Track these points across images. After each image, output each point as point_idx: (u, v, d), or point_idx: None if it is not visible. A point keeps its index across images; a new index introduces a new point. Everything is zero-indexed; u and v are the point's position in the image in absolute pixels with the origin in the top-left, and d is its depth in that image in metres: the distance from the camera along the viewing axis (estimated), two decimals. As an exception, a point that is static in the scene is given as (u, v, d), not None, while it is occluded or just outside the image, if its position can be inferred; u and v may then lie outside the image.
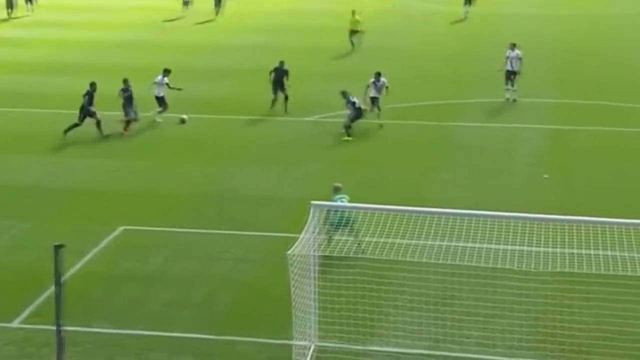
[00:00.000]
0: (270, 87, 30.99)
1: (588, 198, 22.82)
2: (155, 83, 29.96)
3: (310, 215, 15.21)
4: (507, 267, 16.10)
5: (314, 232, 15.22)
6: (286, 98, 30.81)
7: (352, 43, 42.07)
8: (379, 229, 16.14)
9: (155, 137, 28.94)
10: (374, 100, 29.17)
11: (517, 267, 16.93)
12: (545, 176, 24.48)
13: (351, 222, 18.50)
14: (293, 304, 14.77)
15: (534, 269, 16.97)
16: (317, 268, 15.43)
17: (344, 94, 28.71)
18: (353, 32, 42.37)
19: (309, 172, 25.55)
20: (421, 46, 42.88)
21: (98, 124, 28.66)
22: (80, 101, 28.65)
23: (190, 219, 22.10)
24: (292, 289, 14.69)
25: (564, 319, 15.77)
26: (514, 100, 30.96)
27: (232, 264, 19.57)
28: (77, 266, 19.15)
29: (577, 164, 25.63)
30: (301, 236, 15.01)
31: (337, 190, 19.92)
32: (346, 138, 28.26)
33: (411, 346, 15.64)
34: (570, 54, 39.90)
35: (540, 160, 25.97)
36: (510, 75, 31.17)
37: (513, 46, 31.40)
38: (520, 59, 31.12)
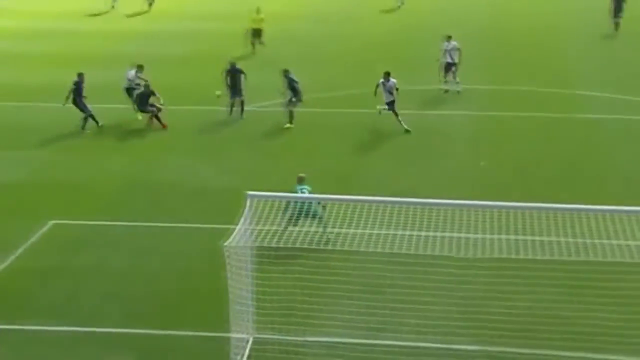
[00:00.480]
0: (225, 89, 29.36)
1: (522, 184, 23.04)
2: (130, 79, 29.09)
3: (246, 206, 15.02)
4: (443, 254, 16.15)
5: (250, 224, 15.04)
6: (242, 103, 29.04)
7: (253, 45, 38.60)
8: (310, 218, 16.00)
9: (86, 130, 28.30)
10: (389, 105, 27.50)
11: (454, 254, 17.03)
12: (482, 164, 24.65)
13: (312, 213, 18.35)
14: (230, 296, 14.60)
15: (471, 255, 17.07)
16: (253, 259, 15.27)
17: (286, 73, 28.21)
18: (255, 31, 38.89)
19: (244, 163, 25.31)
20: (355, 33, 42.74)
21: (86, 118, 27.99)
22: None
23: (123, 212, 21.70)
24: (229, 281, 14.50)
25: (500, 305, 15.87)
26: (458, 92, 30.94)
27: (166, 257, 19.27)
28: (7, 262, 18.66)
29: (511, 150, 25.87)
30: (237, 228, 14.82)
31: (300, 180, 19.78)
32: (288, 125, 28.04)
33: (348, 335, 15.60)
34: (501, 40, 40.25)
35: (475, 147, 26.14)
36: (450, 67, 31.17)
37: (449, 38, 31.43)
38: (458, 49, 31.15)
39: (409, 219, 16.16)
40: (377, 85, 27.62)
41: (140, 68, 29.31)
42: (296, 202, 18.04)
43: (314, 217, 18.49)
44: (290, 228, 18.00)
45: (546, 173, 24.06)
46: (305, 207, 18.20)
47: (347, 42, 40.18)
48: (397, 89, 27.43)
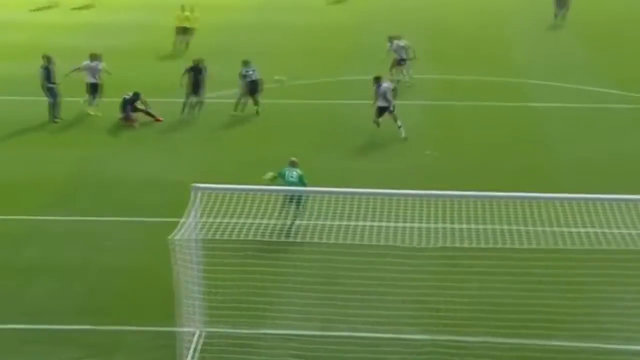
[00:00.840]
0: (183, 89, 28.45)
1: (470, 173, 23.15)
2: (87, 69, 28.07)
3: (192, 198, 14.86)
4: (391, 244, 16.16)
5: (196, 216, 14.88)
6: (201, 103, 28.14)
7: (177, 44, 36.40)
8: (261, 210, 15.92)
9: (30, 122, 27.79)
10: (381, 110, 25.58)
11: (402, 243, 17.05)
12: (427, 152, 24.73)
13: (297, 198, 18.31)
14: (177, 290, 14.43)
15: (418, 245, 17.10)
16: (201, 252, 15.12)
17: (245, 64, 28.07)
18: (181, 30, 36.59)
19: (193, 155, 25.08)
20: (305, 22, 42.52)
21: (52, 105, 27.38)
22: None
23: (70, 207, 21.38)
24: (176, 275, 14.34)
25: (448, 294, 15.95)
26: (408, 85, 30.84)
27: (115, 252, 19.02)
28: (-52, 261, 18.28)
29: (457, 139, 25.98)
30: (183, 220, 14.65)
31: (291, 164, 19.83)
32: (234, 113, 27.82)
33: (300, 327, 15.54)
34: (445, 30, 40.37)
35: (422, 137, 26.19)
36: (400, 62, 31.03)
37: (391, 39, 31.01)
38: (407, 47, 30.91)
39: (360, 209, 16.15)
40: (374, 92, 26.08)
41: (97, 57, 28.56)
42: (290, 181, 18.47)
43: (297, 204, 18.42)
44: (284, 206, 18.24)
45: (496, 161, 24.21)
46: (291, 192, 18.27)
47: (297, 32, 40.00)
48: (394, 91, 25.80)
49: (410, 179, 22.28)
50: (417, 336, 15.35)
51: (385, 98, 25.23)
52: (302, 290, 16.29)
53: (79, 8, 45.60)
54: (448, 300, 15.86)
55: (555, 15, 39.61)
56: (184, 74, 28.05)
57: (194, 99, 27.96)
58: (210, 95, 28.30)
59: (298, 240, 17.23)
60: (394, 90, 26.03)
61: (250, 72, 28.01)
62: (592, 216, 15.31)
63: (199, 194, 14.99)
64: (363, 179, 22.13)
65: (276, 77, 28.76)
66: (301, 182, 19.50)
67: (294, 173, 19.58)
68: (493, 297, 15.94)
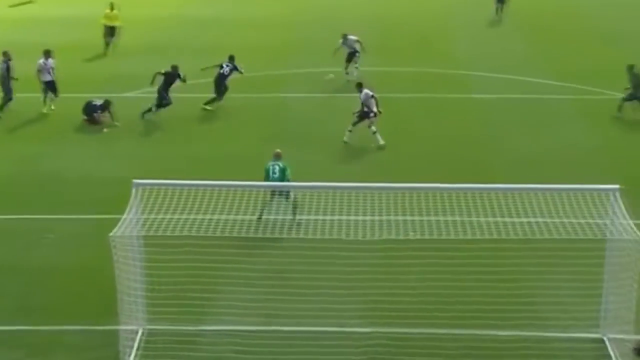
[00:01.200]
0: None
1: (413, 165, 23.28)
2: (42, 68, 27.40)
3: (133, 194, 14.70)
4: (335, 237, 16.17)
5: (137, 213, 14.73)
6: (159, 106, 27.49)
7: (107, 44, 35.02)
8: (204, 206, 15.81)
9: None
10: (363, 115, 24.69)
11: (346, 237, 17.07)
12: (373, 145, 24.76)
13: (285, 193, 18.24)
14: (118, 287, 14.28)
15: (363, 238, 17.14)
16: (142, 249, 14.96)
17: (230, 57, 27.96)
18: (109, 30, 35.05)
19: (132, 150, 24.80)
20: (247, 16, 42.31)
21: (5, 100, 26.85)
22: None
23: (5, 204, 20.96)
24: (117, 272, 14.18)
25: (392, 286, 16.01)
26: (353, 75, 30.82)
27: (53, 250, 18.73)
28: None
29: (401, 131, 26.08)
30: (124, 217, 14.49)
31: (275, 157, 19.68)
32: (205, 106, 27.76)
33: (245, 323, 15.48)
34: (389, 24, 40.49)
35: (367, 129, 26.21)
36: (352, 56, 31.02)
37: (344, 35, 30.97)
38: (358, 41, 30.95)
39: (304, 203, 16.13)
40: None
41: (49, 54, 27.86)
42: (273, 176, 18.45)
43: (287, 197, 18.34)
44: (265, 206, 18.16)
45: (438, 153, 24.36)
46: (276, 180, 18.27)
47: (237, 26, 39.77)
48: (374, 99, 24.75)
49: (355, 172, 22.33)
50: (360, 329, 15.39)
51: (365, 105, 24.81)
52: (245, 286, 16.24)
53: (20, 4, 44.80)
54: (392, 293, 15.92)
55: (497, 10, 39.83)
56: (156, 75, 27.52)
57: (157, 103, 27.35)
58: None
59: (244, 235, 17.13)
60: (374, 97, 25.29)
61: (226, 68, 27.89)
62: (533, 206, 15.51)
63: (140, 190, 14.84)
64: (308, 172, 22.08)
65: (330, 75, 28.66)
66: (284, 175, 19.28)
67: (277, 167, 19.34)
68: (435, 288, 16.06)
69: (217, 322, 15.55)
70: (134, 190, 14.67)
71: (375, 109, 24.83)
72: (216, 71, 27.97)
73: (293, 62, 33.19)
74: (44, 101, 27.74)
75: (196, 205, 16.07)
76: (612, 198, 14.38)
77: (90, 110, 27.06)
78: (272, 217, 18.02)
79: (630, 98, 26.21)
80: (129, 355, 14.56)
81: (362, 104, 24.83)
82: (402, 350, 14.67)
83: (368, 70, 31.79)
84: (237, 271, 16.57)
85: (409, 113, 27.60)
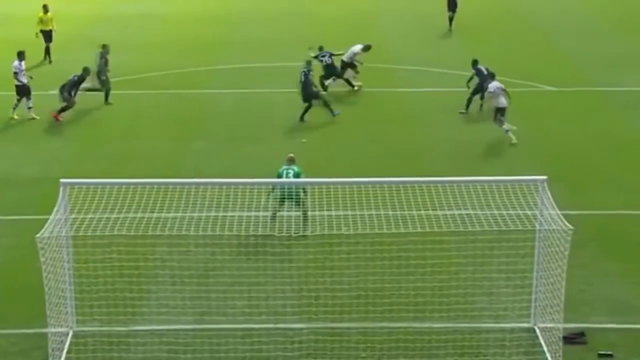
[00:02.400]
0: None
1: (344, 159, 23.30)
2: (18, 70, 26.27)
3: (60, 193, 14.38)
4: (268, 233, 16.07)
5: (65, 212, 14.41)
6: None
7: (47, 49, 32.72)
8: (135, 203, 15.55)
9: None
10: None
11: (279, 233, 17.00)
12: (304, 140, 24.74)
13: (294, 196, 17.73)
14: (46, 289, 13.94)
15: (295, 233, 17.10)
16: (70, 250, 14.66)
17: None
18: (45, 34, 32.74)
19: (57, 149, 24.28)
20: (170, 11, 41.79)
21: None
22: None
23: None
24: (44, 274, 13.85)
25: (327, 281, 15.99)
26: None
27: (-21, 252, 18.23)
28: None
29: (331, 125, 26.09)
30: (51, 217, 14.17)
31: (288, 161, 19.08)
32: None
33: (176, 322, 15.30)
34: (318, 19, 40.49)
35: (297, 125, 26.20)
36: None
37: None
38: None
39: (237, 199, 15.98)
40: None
41: (22, 55, 26.87)
42: (282, 187, 17.70)
43: (297, 202, 17.86)
44: (276, 212, 17.65)
45: (369, 146, 24.42)
46: (287, 191, 17.64)
47: (163, 23, 39.33)
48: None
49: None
50: (295, 325, 15.33)
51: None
52: (177, 284, 16.05)
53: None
54: (326, 288, 15.90)
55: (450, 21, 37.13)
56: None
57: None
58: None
59: (176, 232, 16.90)
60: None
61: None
62: (463, 198, 15.64)
63: (68, 190, 14.54)
64: (237, 168, 21.97)
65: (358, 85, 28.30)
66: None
67: (291, 172, 18.75)
68: (369, 282, 16.11)
69: (149, 322, 15.33)
70: (61, 190, 14.35)
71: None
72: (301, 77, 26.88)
73: (219, 58, 32.94)
74: (14, 106, 26.41)
75: (126, 204, 15.81)
76: (540, 189, 14.57)
77: (69, 88, 26.13)
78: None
79: (475, 92, 26.59)
80: (59, 358, 14.25)
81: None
82: (337, 345, 14.65)
83: (297, 66, 31.81)
84: (168, 269, 16.39)
85: (339, 107, 27.61)
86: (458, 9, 36.61)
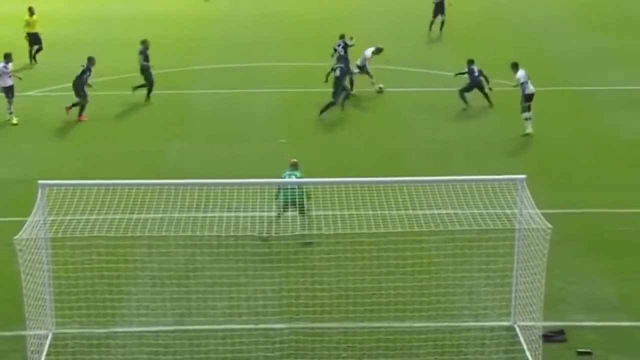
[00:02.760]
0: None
1: (321, 159, 23.25)
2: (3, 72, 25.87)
3: (39, 195, 14.30)
4: (249, 234, 16.05)
5: (43, 214, 14.33)
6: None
7: (35, 53, 32.17)
8: (114, 205, 15.49)
9: None
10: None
11: (259, 233, 16.99)
12: (283, 140, 24.73)
13: (297, 201, 17.43)
14: (25, 291, 13.86)
15: (275, 233, 17.09)
16: (49, 252, 14.58)
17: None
18: (33, 38, 32.16)
19: (36, 150, 24.11)
20: (151, 11, 41.60)
21: None
22: None
23: None
24: (23, 276, 13.78)
25: (307, 281, 15.99)
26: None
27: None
28: None
29: (310, 125, 26.10)
30: (30, 219, 14.09)
31: (292, 166, 18.81)
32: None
33: (156, 323, 15.25)
34: (297, 20, 40.48)
35: (276, 125, 26.19)
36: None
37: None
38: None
39: (217, 200, 15.94)
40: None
41: (9, 57, 26.48)
42: (285, 189, 17.47)
43: (301, 209, 17.56)
44: (281, 215, 17.53)
45: (348, 146, 24.43)
46: (290, 195, 17.41)
47: (143, 24, 39.15)
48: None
49: (264, 167, 22.20)
50: (276, 325, 15.31)
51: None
52: (157, 286, 16.00)
53: None
54: (307, 288, 15.90)
55: (432, 23, 36.16)
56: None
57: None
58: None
59: (155, 234, 16.83)
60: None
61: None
62: (443, 198, 15.66)
63: (46, 191, 14.46)
64: (217, 169, 21.93)
65: (379, 86, 28.13)
66: (301, 188, 17.85)
67: (293, 177, 18.40)
68: (350, 282, 16.12)
69: (129, 324, 15.27)
70: (40, 191, 14.27)
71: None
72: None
73: (199, 59, 32.84)
74: (10, 110, 26.01)
75: (105, 205, 15.75)
76: (519, 188, 14.63)
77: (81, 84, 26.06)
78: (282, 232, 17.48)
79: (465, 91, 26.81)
80: (39, 361, 14.18)
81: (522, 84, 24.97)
82: (318, 345, 14.66)
83: (277, 66, 31.81)
84: (148, 271, 16.32)
85: (317, 107, 27.61)
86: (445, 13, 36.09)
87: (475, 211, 14.97)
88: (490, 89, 26.93)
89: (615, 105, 27.46)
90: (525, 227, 14.37)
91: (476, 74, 26.81)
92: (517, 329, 15.02)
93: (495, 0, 42.12)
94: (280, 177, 18.52)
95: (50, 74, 29.84)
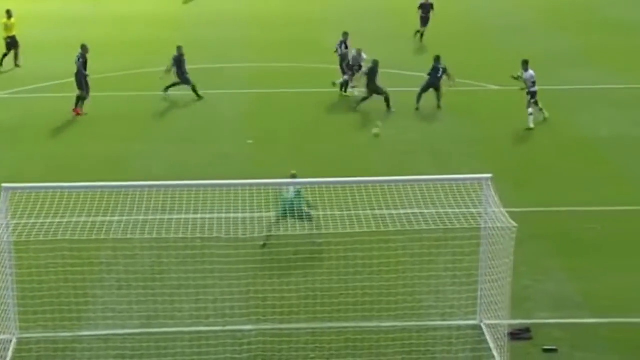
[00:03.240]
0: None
1: (290, 160, 23.22)
2: None
3: (2, 198, 14.14)
4: (215, 235, 15.99)
5: (6, 218, 14.17)
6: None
7: (16, 56, 31.80)
8: (78, 208, 15.36)
9: None
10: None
11: (226, 234, 16.92)
12: (250, 141, 24.69)
13: (297, 211, 17.16)
14: (-11, 296, 13.72)
15: (242, 235, 17.03)
16: (12, 255, 14.41)
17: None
18: (12, 42, 31.76)
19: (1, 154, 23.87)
20: (119, 12, 41.38)
21: None
22: None
23: None
24: (-13, 280, 13.62)
25: (274, 282, 15.96)
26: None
27: None
28: None
29: (278, 126, 26.08)
30: (-8, 223, 13.93)
31: (291, 178, 18.24)
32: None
33: (122, 326, 15.14)
34: (261, 17, 40.49)
35: (242, 126, 26.14)
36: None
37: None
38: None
39: (182, 202, 15.86)
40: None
41: None
42: (284, 201, 17.24)
43: (300, 217, 17.25)
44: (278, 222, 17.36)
45: (314, 146, 24.44)
46: (288, 206, 17.13)
47: (110, 26, 38.94)
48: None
49: (231, 168, 22.16)
50: (244, 327, 15.27)
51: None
52: (123, 288, 15.89)
53: None
54: (274, 289, 15.87)
55: (418, 32, 35.83)
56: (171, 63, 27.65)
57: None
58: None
59: (121, 237, 16.71)
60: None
61: None
62: (409, 197, 15.71)
63: (9, 194, 14.30)
64: (183, 170, 21.84)
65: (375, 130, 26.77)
66: (300, 197, 17.59)
67: (291, 188, 17.91)
68: (317, 282, 16.11)
69: (95, 327, 15.15)
70: (3, 195, 14.11)
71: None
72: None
73: (163, 60, 32.65)
74: None
75: (69, 208, 15.58)
76: (485, 187, 14.72)
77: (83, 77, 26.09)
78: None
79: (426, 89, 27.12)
80: (3, 366, 14.04)
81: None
82: (286, 346, 14.64)
83: (242, 67, 31.75)
84: (114, 274, 16.20)
85: (283, 108, 27.64)
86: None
87: (441, 210, 15.04)
88: (451, 86, 27.07)
89: (578, 103, 27.75)
90: (491, 226, 14.46)
91: (440, 74, 26.88)
92: (484, 328, 15.11)
93: (470, 3, 42.50)
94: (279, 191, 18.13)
95: (15, 76, 29.53)
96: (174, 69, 27.76)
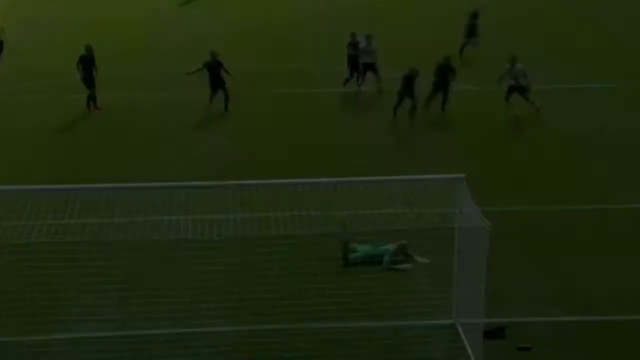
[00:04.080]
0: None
1: (259, 161, 23.22)
2: None
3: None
4: (190, 237, 15.97)
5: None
6: (226, 95, 27.44)
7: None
8: (51, 210, 15.29)
9: None
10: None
11: (200, 236, 16.92)
12: (225, 144, 24.67)
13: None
14: (-39, 301, 13.59)
15: (218, 236, 17.02)
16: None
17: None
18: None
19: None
20: (92, 16, 41.28)
21: None
22: None
23: None
24: (-42, 285, 13.50)
25: (251, 283, 15.94)
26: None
27: None
28: None
29: (248, 128, 26.05)
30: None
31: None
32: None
33: (98, 329, 15.05)
34: (246, 27, 40.46)
35: (219, 127, 26.09)
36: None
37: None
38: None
39: (155, 204, 15.83)
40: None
41: None
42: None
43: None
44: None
45: (285, 148, 24.43)
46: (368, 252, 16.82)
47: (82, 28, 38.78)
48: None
49: (199, 170, 22.09)
50: (220, 328, 15.24)
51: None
52: (98, 291, 15.79)
53: None
54: (252, 290, 15.86)
55: (465, 45, 34.12)
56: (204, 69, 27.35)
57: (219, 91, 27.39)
58: None
59: (95, 239, 16.67)
60: None
61: None
62: (384, 197, 15.78)
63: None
64: (155, 171, 21.76)
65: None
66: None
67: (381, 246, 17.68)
68: (293, 283, 16.12)
69: (69, 330, 15.04)
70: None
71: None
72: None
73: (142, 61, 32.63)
74: None
75: (41, 211, 15.52)
76: (458, 187, 14.77)
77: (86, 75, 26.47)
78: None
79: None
80: (-25, 372, 13.91)
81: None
82: (262, 347, 14.62)
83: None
84: (88, 276, 16.11)
85: (262, 109, 27.62)
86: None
87: (415, 210, 15.09)
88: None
89: (552, 103, 27.95)
90: (465, 225, 14.53)
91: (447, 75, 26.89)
92: (459, 327, 15.18)
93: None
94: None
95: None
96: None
